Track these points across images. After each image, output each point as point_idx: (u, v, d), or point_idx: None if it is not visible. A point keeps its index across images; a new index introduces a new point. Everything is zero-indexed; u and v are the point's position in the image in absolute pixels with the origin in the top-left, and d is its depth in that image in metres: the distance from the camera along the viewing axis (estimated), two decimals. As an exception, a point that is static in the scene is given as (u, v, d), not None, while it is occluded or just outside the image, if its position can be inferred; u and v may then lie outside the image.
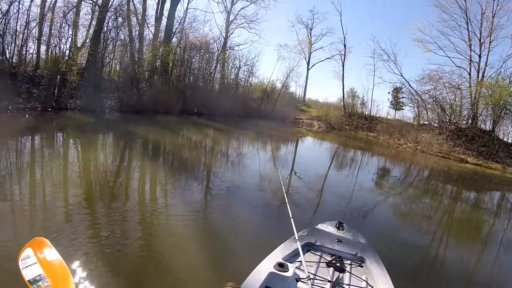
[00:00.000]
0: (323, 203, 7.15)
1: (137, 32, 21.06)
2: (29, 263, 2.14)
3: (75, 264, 3.07)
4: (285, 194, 3.91)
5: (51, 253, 2.24)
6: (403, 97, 33.45)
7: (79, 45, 17.86)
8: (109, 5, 18.76)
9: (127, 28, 19.77)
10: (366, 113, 33.80)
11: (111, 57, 19.83)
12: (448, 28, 26.15)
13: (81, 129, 11.24)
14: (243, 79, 29.89)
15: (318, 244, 3.23)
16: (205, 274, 3.41)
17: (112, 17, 18.81)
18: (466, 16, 25.33)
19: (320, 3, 68.21)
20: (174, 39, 23.32)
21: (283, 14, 61.43)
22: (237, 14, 31.14)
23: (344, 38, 35.32)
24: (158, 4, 23.03)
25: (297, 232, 3.18)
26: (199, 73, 24.94)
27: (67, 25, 16.09)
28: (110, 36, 18.68)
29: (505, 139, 23.12)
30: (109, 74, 19.65)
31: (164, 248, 3.76)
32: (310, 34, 39.69)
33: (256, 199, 6.33)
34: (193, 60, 24.33)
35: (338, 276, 2.73)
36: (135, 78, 19.34)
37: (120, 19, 19.22)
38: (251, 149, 13.22)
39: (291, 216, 3.26)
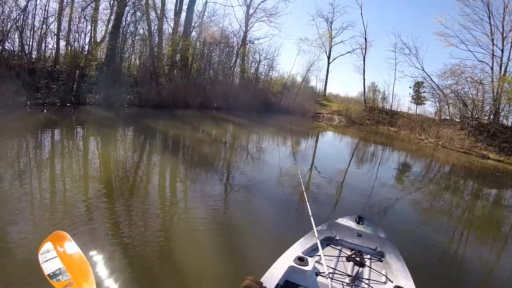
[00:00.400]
0: (343, 198, 7.06)
1: (156, 26, 20.94)
2: (49, 257, 2.14)
3: (95, 259, 3.00)
4: (304, 190, 4.04)
5: (72, 247, 2.23)
6: (425, 92, 32.72)
7: (98, 40, 17.80)
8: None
9: (146, 23, 19.59)
10: (387, 108, 33.36)
11: (130, 52, 19.77)
12: (470, 22, 25.59)
13: (100, 124, 11.14)
14: (263, 73, 29.40)
15: (338, 238, 3.20)
16: (224, 269, 3.36)
17: (131, 11, 18.71)
18: (489, 10, 24.69)
19: None
20: (193, 33, 23.09)
21: (303, 7, 60.45)
22: (256, 8, 30.55)
23: (365, 31, 34.54)
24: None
25: (317, 227, 3.20)
26: (218, 67, 24.65)
27: (85, 20, 15.98)
28: (128, 31, 18.57)
29: None
30: (128, 69, 19.54)
31: (183, 243, 3.74)
32: (331, 28, 38.81)
33: (275, 194, 6.26)
34: (213, 54, 24.05)
35: (358, 270, 2.69)
36: (154, 72, 19.17)
37: (138, 13, 19.12)
38: (270, 143, 13.01)
39: (310, 210, 3.30)
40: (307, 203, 3.49)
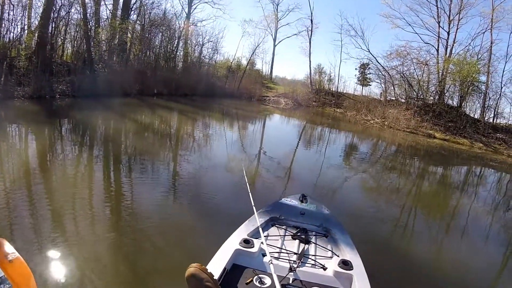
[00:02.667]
0: (292, 179, 7.25)
1: (93, 10, 20.12)
2: (-13, 266, 2.07)
3: (35, 263, 2.93)
4: (244, 172, 4.29)
5: (10, 254, 2.06)
6: (370, 73, 33.81)
7: (33, 28, 16.89)
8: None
9: (81, 6, 18.73)
10: (333, 90, 34.14)
11: (64, 38, 18.96)
12: (417, 5, 26.38)
13: (18, 121, 9.91)
14: (207, 57, 29.07)
15: (283, 218, 3.26)
16: (172, 259, 3.42)
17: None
18: None
19: None
20: (133, 16, 22.34)
21: None
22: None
23: (311, 13, 35.14)
24: None
25: (262, 208, 3.32)
26: (160, 51, 24.12)
27: (12, 5, 15.16)
28: (60, 15, 17.78)
29: (471, 115, 23.90)
30: (61, 57, 18.76)
31: (130, 238, 3.74)
32: (277, 10, 39.07)
33: (221, 181, 6.36)
34: (154, 38, 23.40)
35: (304, 247, 2.76)
36: (90, 59, 18.59)
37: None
38: (215, 129, 13.06)
39: (250, 193, 3.37)
40: (247, 185, 3.65)
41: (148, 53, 22.63)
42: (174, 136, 10.41)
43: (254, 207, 3.15)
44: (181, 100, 20.25)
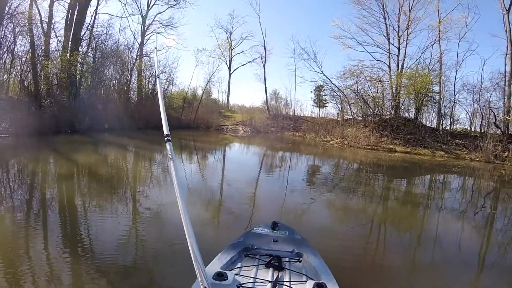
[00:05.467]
0: (258, 207, 7.09)
1: (43, 41, 19.55)
2: None
3: None
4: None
5: None
6: (326, 95, 34.81)
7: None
8: (5, 11, 17.25)
9: (29, 38, 18.11)
10: (291, 114, 34.90)
11: (10, 72, 18.22)
12: (367, 24, 27.70)
13: None
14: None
15: (255, 247, 3.20)
16: None
17: (9, 25, 17.32)
18: (384, 11, 27.06)
19: (240, 6, 70.88)
20: (84, 48, 21.83)
21: (202, 19, 61.30)
22: (153, 20, 30.05)
23: (264, 40, 36.45)
24: (68, 11, 21.49)
25: (233, 240, 3.23)
26: (111, 84, 23.66)
27: None
28: (5, 47, 17.15)
29: (428, 125, 24.80)
30: (7, 92, 17.94)
31: None
32: (230, 38, 39.92)
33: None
34: (105, 70, 23.00)
35: (278, 275, 2.72)
36: (37, 94, 17.90)
37: (18, 28, 17.73)
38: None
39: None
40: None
41: (99, 86, 22.05)
42: (123, 177, 9.39)
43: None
44: (134, 135, 19.59)
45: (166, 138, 2.40)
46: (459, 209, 8.51)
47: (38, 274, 3.41)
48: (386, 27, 26.97)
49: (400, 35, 26.52)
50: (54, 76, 19.75)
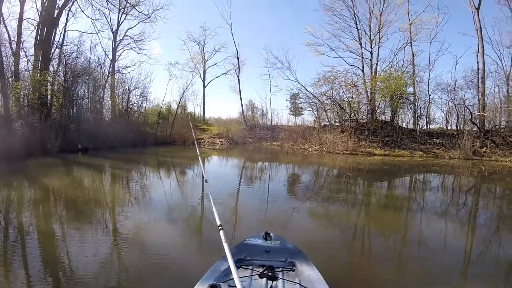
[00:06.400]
0: (242, 218, 7.10)
1: (12, 62, 19.05)
2: None
3: None
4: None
5: None
6: (301, 102, 35.29)
7: None
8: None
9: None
10: (267, 123, 35.09)
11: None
12: (339, 30, 28.29)
13: None
14: (135, 104, 28.51)
15: (248, 258, 3.21)
16: None
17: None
18: (355, 16, 27.67)
19: (211, 18, 71.30)
20: (54, 67, 21.38)
21: (174, 32, 61.32)
22: (124, 35, 30.06)
23: (237, 51, 36.98)
24: (37, 30, 21.09)
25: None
26: (84, 102, 23.19)
27: None
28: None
29: (405, 126, 25.34)
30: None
31: None
32: (203, 51, 40.13)
33: (170, 235, 5.87)
34: (77, 88, 22.46)
35: (272, 285, 2.74)
36: (8, 116, 17.37)
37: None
38: (150, 182, 12.19)
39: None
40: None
41: (71, 105, 21.59)
42: (100, 200, 8.92)
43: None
44: (109, 154, 19.11)
45: (219, 228, 2.76)
46: (441, 207, 8.75)
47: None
48: (358, 31, 27.70)
49: (372, 39, 27.24)
50: (25, 97, 19.23)
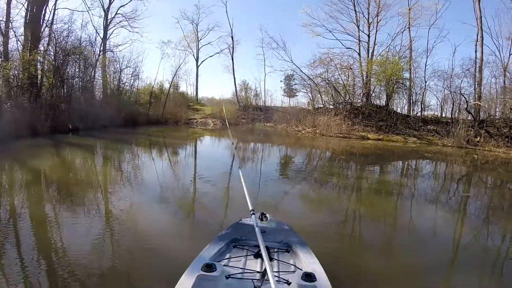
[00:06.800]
0: (234, 200, 7.00)
1: (1, 41, 18.52)
2: None
3: None
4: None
5: None
6: (296, 84, 34.98)
7: None
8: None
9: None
10: (261, 104, 34.86)
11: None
12: (337, 11, 27.67)
13: None
14: (127, 84, 28.03)
15: (244, 238, 3.24)
16: None
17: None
18: None
19: None
20: (44, 46, 20.82)
21: (167, 10, 59.86)
22: (116, 13, 29.26)
23: (231, 30, 36.58)
24: (27, 9, 20.41)
25: (221, 231, 3.33)
26: (74, 81, 22.71)
27: None
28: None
29: (399, 111, 25.28)
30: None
31: None
32: (197, 29, 39.35)
33: (166, 216, 5.88)
34: (67, 68, 21.95)
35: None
36: (-3, 98, 16.97)
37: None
38: (143, 163, 12.11)
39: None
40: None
41: (61, 85, 21.19)
42: (91, 181, 8.87)
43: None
44: (100, 134, 18.96)
45: (251, 212, 2.90)
46: (433, 194, 8.89)
47: (13, 281, 3.39)
48: (356, 14, 27.15)
49: (370, 22, 26.75)
50: (14, 77, 18.81)
